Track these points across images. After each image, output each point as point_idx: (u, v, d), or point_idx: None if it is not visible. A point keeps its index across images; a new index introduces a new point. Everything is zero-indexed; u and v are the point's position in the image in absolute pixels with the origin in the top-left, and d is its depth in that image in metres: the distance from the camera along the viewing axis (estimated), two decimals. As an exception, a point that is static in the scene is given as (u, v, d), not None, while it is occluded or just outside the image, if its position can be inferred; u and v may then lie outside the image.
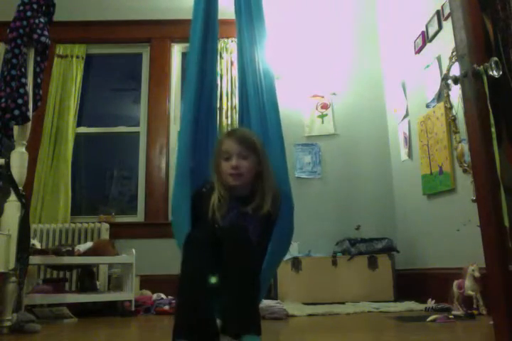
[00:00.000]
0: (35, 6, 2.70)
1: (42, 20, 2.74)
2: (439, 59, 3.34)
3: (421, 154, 3.60)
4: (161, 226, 4.22)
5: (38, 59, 2.77)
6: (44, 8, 2.80)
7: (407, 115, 3.94)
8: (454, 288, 2.78)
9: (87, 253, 3.24)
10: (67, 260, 3.14)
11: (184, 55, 4.76)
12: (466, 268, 2.71)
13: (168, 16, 4.58)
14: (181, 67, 4.70)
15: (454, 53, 3.04)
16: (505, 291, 1.38)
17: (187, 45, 5.03)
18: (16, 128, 2.65)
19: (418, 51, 3.70)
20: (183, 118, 1.89)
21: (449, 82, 1.63)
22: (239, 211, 1.69)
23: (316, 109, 4.45)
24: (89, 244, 3.41)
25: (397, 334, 2.28)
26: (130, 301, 3.21)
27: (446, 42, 3.22)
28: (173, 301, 3.37)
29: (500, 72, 1.43)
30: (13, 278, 2.40)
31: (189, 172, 1.77)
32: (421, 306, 3.04)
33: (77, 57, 4.51)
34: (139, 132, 4.55)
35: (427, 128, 3.50)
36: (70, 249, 3.22)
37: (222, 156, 1.73)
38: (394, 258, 3.64)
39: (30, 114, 2.65)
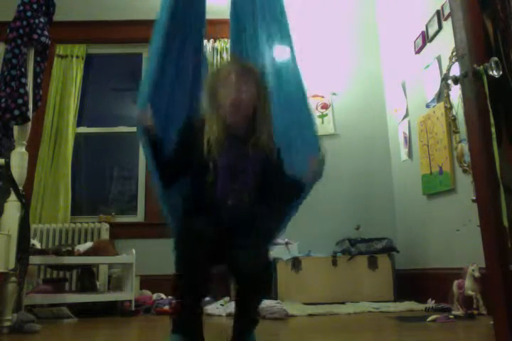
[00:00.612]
0: (35, 6, 2.70)
1: (42, 20, 2.74)
2: (439, 59, 3.34)
3: (421, 154, 3.59)
4: (161, 227, 4.21)
5: (38, 59, 2.77)
6: (44, 8, 2.80)
7: (407, 115, 3.94)
8: (454, 288, 2.78)
9: (87, 253, 3.24)
10: (67, 260, 3.14)
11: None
12: (466, 268, 2.71)
13: (168, 16, 4.57)
14: (181, 67, 4.71)
15: (454, 53, 3.04)
16: (505, 291, 1.38)
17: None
18: (16, 128, 2.65)
19: (418, 51, 3.70)
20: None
21: (449, 82, 1.63)
22: (238, 150, 1.58)
23: (316, 109, 4.44)
24: (89, 244, 3.41)
25: (397, 334, 2.28)
26: (130, 301, 3.21)
27: (446, 42, 3.22)
28: (173, 301, 3.36)
29: (500, 72, 1.43)
30: (13, 278, 2.40)
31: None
32: (421, 306, 3.04)
33: (77, 57, 4.51)
34: (139, 132, 4.54)
35: (427, 128, 3.50)
36: (70, 249, 3.22)
37: (218, 88, 1.58)
38: (394, 258, 3.64)
39: (30, 114, 2.65)
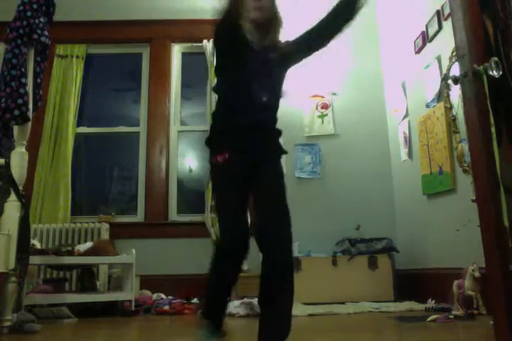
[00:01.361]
0: (35, 6, 2.70)
1: (42, 20, 2.74)
2: (439, 59, 3.34)
3: (421, 154, 3.59)
4: (161, 226, 4.22)
5: (38, 59, 2.77)
6: (44, 8, 2.80)
7: (407, 115, 3.94)
8: (454, 288, 2.78)
9: (87, 253, 3.24)
10: (67, 260, 3.14)
11: (184, 55, 4.76)
12: (466, 268, 2.71)
13: (168, 16, 4.58)
14: (181, 67, 4.71)
15: (454, 53, 3.04)
16: (505, 291, 1.38)
17: (187, 45, 5.04)
18: (16, 128, 2.66)
19: (418, 51, 3.70)
20: None
21: (449, 82, 1.63)
22: (262, 55, 1.88)
23: (316, 109, 4.45)
24: (89, 244, 3.41)
25: (397, 334, 2.28)
26: (130, 301, 3.21)
27: (446, 42, 3.22)
28: (173, 301, 3.37)
29: (500, 72, 1.43)
30: (13, 278, 2.41)
31: None
32: (421, 306, 3.04)
33: (77, 57, 4.51)
34: (139, 132, 4.55)
35: (427, 128, 3.50)
36: (70, 249, 3.22)
37: None
38: (394, 258, 3.64)
39: (30, 114, 2.65)
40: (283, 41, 2.04)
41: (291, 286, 1.65)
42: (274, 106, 1.89)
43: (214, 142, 1.83)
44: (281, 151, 1.91)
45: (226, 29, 1.85)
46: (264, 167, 1.80)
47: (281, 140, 1.93)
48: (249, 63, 1.84)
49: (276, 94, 1.88)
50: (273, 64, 1.90)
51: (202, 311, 1.79)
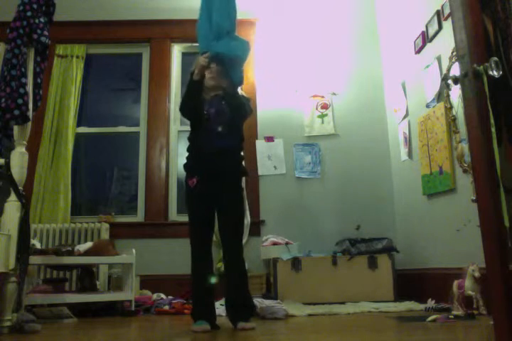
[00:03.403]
0: (35, 6, 2.70)
1: (42, 20, 2.74)
2: (439, 59, 3.34)
3: (421, 154, 3.59)
4: (161, 226, 4.22)
5: (38, 59, 2.77)
6: (44, 8, 2.80)
7: (407, 115, 3.94)
8: (454, 288, 2.78)
9: (87, 253, 3.24)
10: (67, 260, 3.14)
11: (184, 55, 4.76)
12: (466, 268, 2.71)
13: (168, 16, 4.58)
14: (181, 67, 4.71)
15: (454, 53, 3.04)
16: (505, 291, 1.38)
17: (187, 45, 5.03)
18: (16, 128, 2.66)
19: (418, 51, 3.70)
20: None
21: (449, 82, 1.63)
22: (218, 103, 2.59)
23: (316, 109, 4.45)
24: (89, 244, 3.41)
25: (397, 334, 2.28)
26: (130, 301, 3.21)
27: (446, 42, 3.22)
28: (173, 301, 3.38)
29: (500, 72, 1.43)
30: (13, 278, 2.41)
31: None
32: (421, 306, 3.04)
33: (77, 57, 4.51)
34: (139, 132, 4.55)
35: (427, 128, 3.50)
36: (70, 249, 3.22)
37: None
38: (394, 258, 3.64)
39: (30, 114, 2.65)
40: (240, 93, 2.71)
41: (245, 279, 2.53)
42: (230, 134, 2.53)
43: (187, 168, 2.54)
44: (241, 174, 2.59)
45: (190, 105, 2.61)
46: (225, 190, 2.47)
47: (243, 163, 2.60)
48: (205, 110, 2.54)
49: (230, 125, 2.54)
50: (224, 107, 2.56)
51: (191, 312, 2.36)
